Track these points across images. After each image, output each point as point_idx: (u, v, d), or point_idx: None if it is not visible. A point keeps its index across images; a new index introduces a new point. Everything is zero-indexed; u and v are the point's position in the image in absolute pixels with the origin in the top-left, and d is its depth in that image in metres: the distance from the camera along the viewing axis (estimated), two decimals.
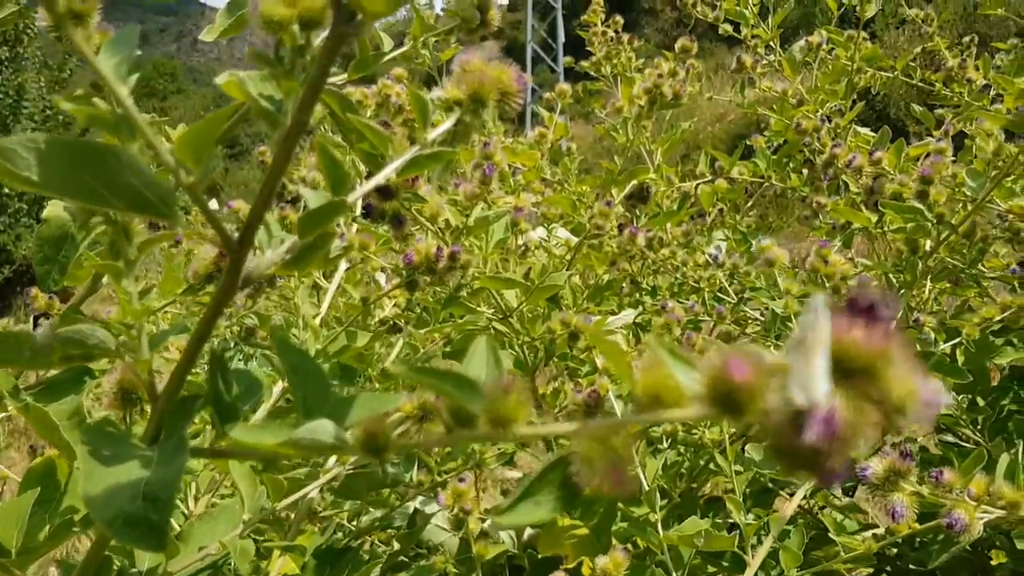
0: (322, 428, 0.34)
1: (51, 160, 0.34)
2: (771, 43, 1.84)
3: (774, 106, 1.73)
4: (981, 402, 1.32)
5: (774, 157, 1.66)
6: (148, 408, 0.45)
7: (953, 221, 1.10)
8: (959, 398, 1.29)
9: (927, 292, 1.19)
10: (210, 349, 0.44)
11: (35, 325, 0.75)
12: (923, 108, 1.75)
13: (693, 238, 1.68)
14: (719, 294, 1.58)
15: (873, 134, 1.66)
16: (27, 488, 0.62)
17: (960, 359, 1.14)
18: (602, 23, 2.23)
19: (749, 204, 1.92)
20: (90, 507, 0.34)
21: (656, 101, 1.39)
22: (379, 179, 0.43)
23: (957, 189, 1.08)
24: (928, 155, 1.12)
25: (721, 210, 1.86)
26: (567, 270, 1.32)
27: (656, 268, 1.62)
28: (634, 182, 1.62)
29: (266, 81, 0.36)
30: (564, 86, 1.90)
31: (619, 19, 2.25)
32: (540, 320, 1.27)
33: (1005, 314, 1.08)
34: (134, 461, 0.37)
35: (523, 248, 1.22)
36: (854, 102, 1.77)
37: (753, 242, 1.67)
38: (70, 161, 0.34)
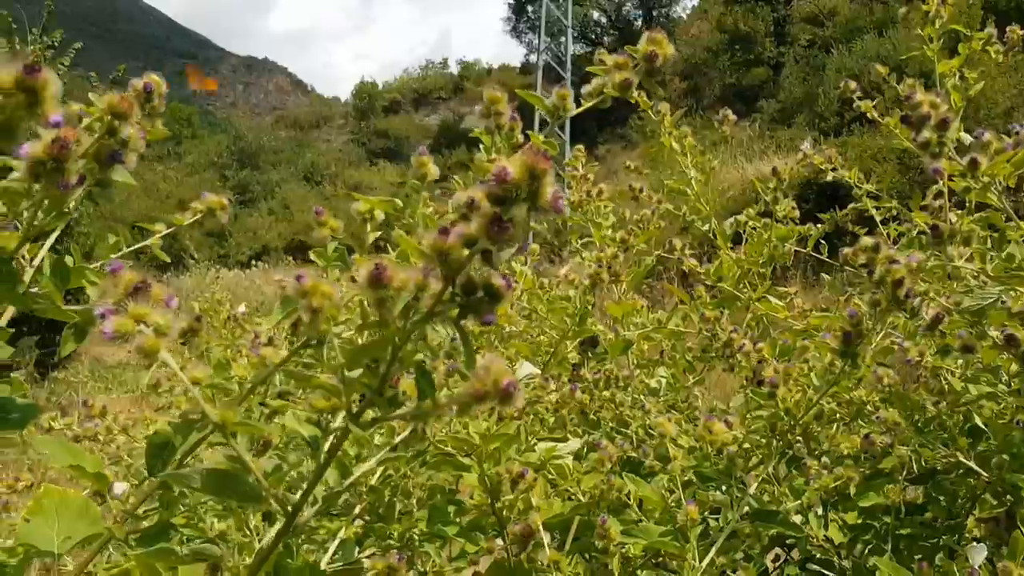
0: None
1: (207, 480, 0.71)
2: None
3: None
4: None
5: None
6: None
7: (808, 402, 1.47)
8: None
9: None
10: None
11: None
12: (829, 278, 2.15)
13: (633, 380, 2.06)
14: (650, 430, 1.95)
15: (780, 303, 2.05)
16: None
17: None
18: (583, 165, 2.61)
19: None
20: None
21: (597, 284, 1.77)
22: None
23: (808, 386, 1.45)
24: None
25: (662, 352, 2.24)
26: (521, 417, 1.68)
27: (601, 405, 1.98)
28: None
29: None
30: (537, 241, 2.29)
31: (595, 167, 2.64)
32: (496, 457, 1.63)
33: (838, 483, 1.45)
34: None
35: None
36: (773, 270, 2.16)
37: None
38: (216, 480, 0.71)
